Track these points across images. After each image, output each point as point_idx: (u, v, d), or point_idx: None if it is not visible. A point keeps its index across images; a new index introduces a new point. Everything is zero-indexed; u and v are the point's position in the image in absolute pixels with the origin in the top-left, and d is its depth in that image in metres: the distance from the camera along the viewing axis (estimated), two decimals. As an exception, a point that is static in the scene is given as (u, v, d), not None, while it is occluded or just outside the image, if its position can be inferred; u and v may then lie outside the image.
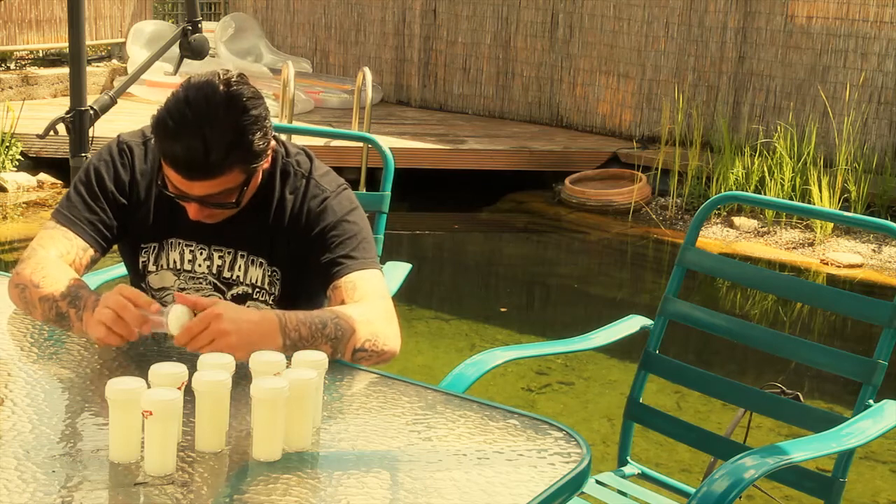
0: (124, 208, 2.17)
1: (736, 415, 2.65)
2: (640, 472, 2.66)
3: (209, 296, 2.16)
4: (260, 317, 1.85)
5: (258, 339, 1.79)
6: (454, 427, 1.71)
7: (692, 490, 2.47)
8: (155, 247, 2.18)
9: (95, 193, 2.15)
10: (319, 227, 2.11)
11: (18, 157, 7.58)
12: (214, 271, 2.16)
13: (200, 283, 2.17)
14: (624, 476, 2.62)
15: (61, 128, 3.99)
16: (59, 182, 7.44)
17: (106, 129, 4.21)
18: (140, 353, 1.93)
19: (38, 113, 7.93)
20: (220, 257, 2.16)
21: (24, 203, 7.19)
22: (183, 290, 2.17)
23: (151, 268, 2.18)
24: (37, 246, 2.11)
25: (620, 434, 2.69)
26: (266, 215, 2.14)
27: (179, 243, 2.17)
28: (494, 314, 5.67)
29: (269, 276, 2.16)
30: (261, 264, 2.15)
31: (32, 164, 7.65)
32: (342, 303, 2.03)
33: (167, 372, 1.60)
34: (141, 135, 2.22)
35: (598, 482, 2.55)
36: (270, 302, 2.17)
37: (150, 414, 1.49)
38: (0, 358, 1.89)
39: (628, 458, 2.68)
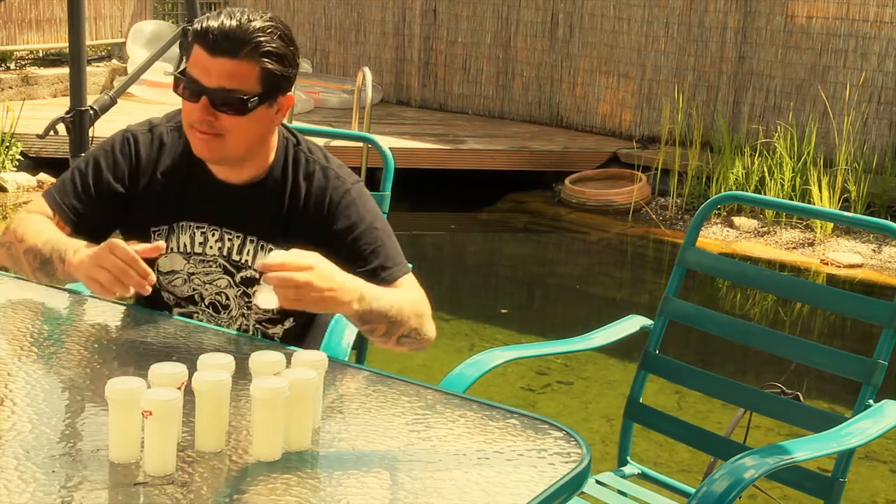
0: (122, 197, 2.18)
1: (736, 415, 2.65)
2: (640, 472, 2.66)
3: (218, 279, 2.18)
4: (345, 281, 1.92)
5: (335, 302, 1.89)
6: (454, 427, 1.71)
7: (692, 490, 2.47)
8: (164, 230, 2.19)
9: (88, 185, 2.18)
10: (345, 225, 2.13)
11: (18, 157, 7.58)
12: (225, 253, 2.18)
13: (210, 265, 2.18)
14: (624, 476, 2.62)
15: (61, 128, 4.00)
16: (59, 182, 7.44)
17: (106, 129, 4.21)
18: (140, 353, 1.93)
19: (38, 113, 7.93)
20: (229, 240, 2.17)
21: (24, 203, 7.19)
22: (192, 274, 2.19)
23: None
24: (24, 213, 2.18)
25: (620, 434, 2.68)
26: (280, 203, 2.16)
27: (190, 226, 2.18)
28: (494, 314, 5.66)
29: None
30: (270, 250, 2.14)
31: (32, 164, 7.65)
32: None
33: (167, 372, 1.60)
34: (147, 123, 2.24)
35: (598, 482, 2.55)
36: None
37: (150, 414, 1.49)
38: (0, 358, 1.89)
39: (628, 458, 2.68)
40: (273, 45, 2.03)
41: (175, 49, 4.39)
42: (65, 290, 2.27)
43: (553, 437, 1.67)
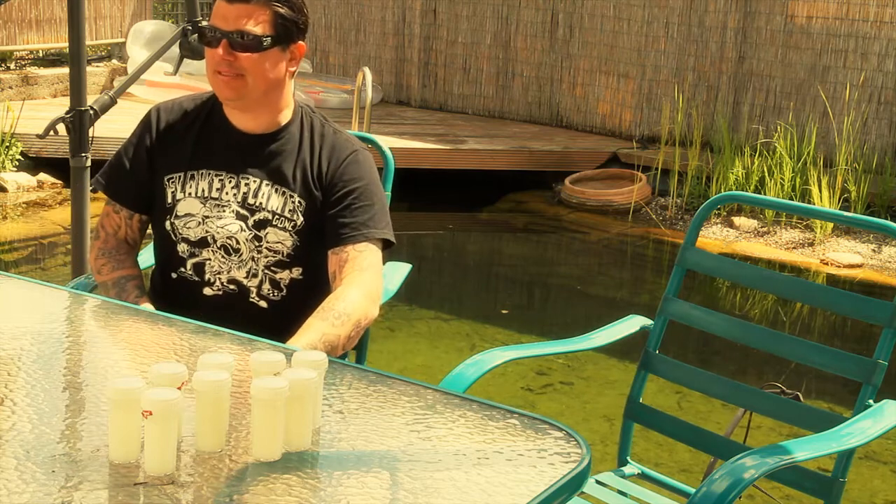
0: (151, 161, 2.39)
1: (736, 415, 2.65)
2: (640, 472, 2.66)
3: (230, 224, 2.32)
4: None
5: None
6: (454, 427, 1.71)
7: (692, 490, 2.47)
8: (180, 177, 2.36)
9: (129, 168, 2.41)
10: (343, 179, 2.33)
11: (18, 157, 7.58)
12: (240, 199, 2.34)
13: (224, 210, 2.34)
14: (624, 476, 2.62)
15: (61, 128, 3.99)
16: (59, 182, 7.43)
17: (106, 129, 4.21)
18: (140, 353, 1.93)
19: (38, 113, 7.93)
20: (246, 184, 2.34)
21: (24, 203, 7.19)
22: (206, 217, 2.34)
23: (179, 195, 2.35)
24: (98, 227, 2.46)
25: (620, 434, 2.68)
26: (293, 153, 2.35)
27: (209, 173, 2.37)
28: (495, 314, 5.66)
29: (292, 204, 2.32)
30: (283, 193, 2.33)
31: (32, 164, 7.64)
32: (333, 272, 2.29)
33: (167, 372, 1.60)
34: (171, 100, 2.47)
35: (598, 482, 2.55)
36: (289, 229, 2.32)
37: (150, 414, 1.49)
38: (0, 358, 1.89)
39: (628, 458, 2.68)
40: None
41: (175, 49, 4.39)
42: (65, 290, 2.28)
43: (553, 437, 1.67)
